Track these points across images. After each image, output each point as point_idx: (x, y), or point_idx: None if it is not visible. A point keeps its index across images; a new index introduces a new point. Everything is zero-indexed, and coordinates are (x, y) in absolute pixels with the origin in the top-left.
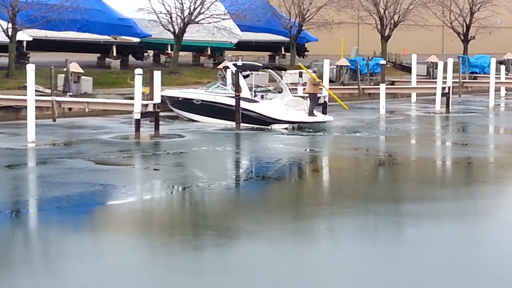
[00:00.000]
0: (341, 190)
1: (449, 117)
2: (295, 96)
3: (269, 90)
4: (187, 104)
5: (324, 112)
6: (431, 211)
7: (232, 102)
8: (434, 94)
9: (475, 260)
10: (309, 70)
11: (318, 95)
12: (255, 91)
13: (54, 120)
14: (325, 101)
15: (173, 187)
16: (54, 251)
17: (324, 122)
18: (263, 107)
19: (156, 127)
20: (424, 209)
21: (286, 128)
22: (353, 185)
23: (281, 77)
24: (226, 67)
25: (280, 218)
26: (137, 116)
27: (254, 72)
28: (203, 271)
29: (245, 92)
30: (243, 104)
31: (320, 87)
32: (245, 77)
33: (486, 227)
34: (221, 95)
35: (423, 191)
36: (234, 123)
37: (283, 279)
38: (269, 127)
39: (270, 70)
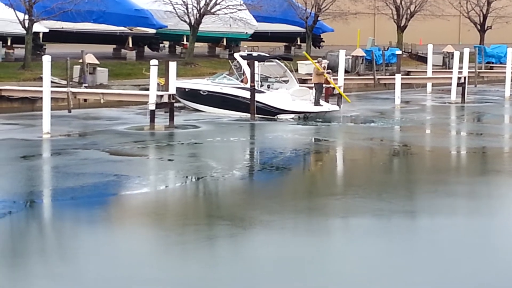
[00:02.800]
0: (355, 180)
1: (465, 107)
2: (302, 86)
3: (276, 81)
4: (194, 95)
5: (338, 103)
6: (445, 201)
7: (238, 92)
8: (450, 84)
9: (490, 249)
10: (315, 61)
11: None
12: (261, 82)
13: (70, 111)
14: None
15: (187, 177)
16: (68, 241)
17: (330, 111)
18: (269, 98)
19: (171, 118)
20: (439, 199)
21: (292, 118)
22: (368, 175)
23: (288, 67)
24: (233, 58)
25: (294, 208)
26: (152, 107)
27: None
28: (217, 261)
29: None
30: (249, 95)
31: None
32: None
33: (501, 216)
34: (228, 85)
35: (437, 181)
36: (240, 113)
37: (297, 269)
38: (275, 117)
39: (276, 60)
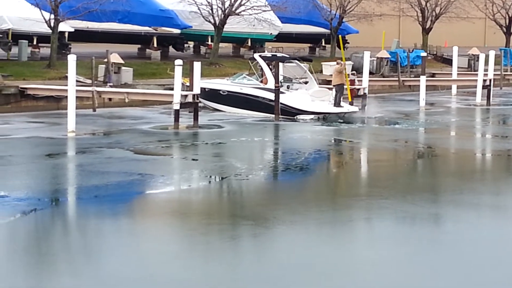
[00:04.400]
0: (379, 181)
1: (490, 110)
2: (321, 87)
3: (296, 81)
4: (214, 95)
5: (363, 104)
6: (470, 203)
7: (258, 93)
8: (475, 87)
9: None
10: (334, 63)
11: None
12: (281, 82)
13: (94, 110)
14: (364, 93)
15: (211, 177)
16: (92, 239)
17: (349, 112)
18: (289, 98)
19: (195, 118)
20: (463, 201)
21: (311, 119)
22: (392, 177)
23: (308, 68)
24: (253, 59)
25: (318, 208)
26: (177, 106)
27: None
28: (240, 261)
29: (271, 83)
30: (269, 95)
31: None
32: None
33: None
34: (248, 86)
35: (462, 183)
36: (260, 113)
37: (320, 269)
38: (295, 117)
39: (296, 61)
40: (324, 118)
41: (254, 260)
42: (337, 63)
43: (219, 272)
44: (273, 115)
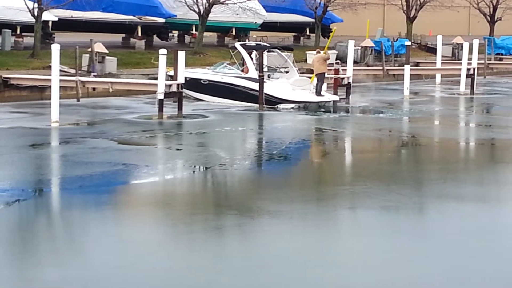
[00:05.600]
0: (363, 170)
1: (474, 99)
2: (302, 76)
3: (276, 70)
4: (195, 84)
5: (348, 93)
6: (454, 191)
7: (239, 82)
8: (459, 76)
9: (499, 241)
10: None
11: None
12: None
13: (78, 100)
14: (349, 82)
15: (195, 167)
16: (77, 230)
17: (330, 101)
18: (269, 87)
19: (179, 107)
20: (447, 190)
21: (292, 108)
22: (376, 166)
23: (289, 57)
24: (234, 48)
25: (302, 198)
26: (161, 96)
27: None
28: (225, 251)
29: (252, 72)
30: (250, 84)
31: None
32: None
33: (509, 207)
34: (228, 75)
35: (446, 172)
36: (241, 103)
37: (305, 259)
38: (276, 106)
39: (277, 50)
40: (305, 107)
41: (238, 250)
42: (317, 52)
43: (203, 261)
44: (256, 105)
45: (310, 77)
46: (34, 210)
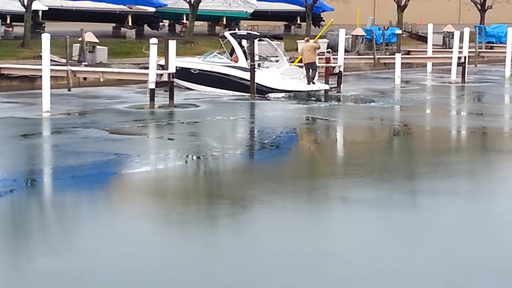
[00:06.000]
0: (355, 159)
1: (465, 87)
2: (292, 65)
3: (266, 59)
4: (185, 74)
5: (339, 82)
6: (446, 180)
7: (229, 71)
8: (450, 64)
9: (490, 229)
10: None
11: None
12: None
13: (69, 90)
14: (340, 71)
15: (187, 156)
16: (69, 220)
17: (320, 90)
18: (259, 77)
19: (171, 97)
20: (439, 179)
21: (282, 97)
22: (368, 155)
23: (279, 46)
24: (224, 37)
25: (294, 187)
26: (152, 85)
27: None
28: (217, 240)
29: (241, 62)
30: (239, 73)
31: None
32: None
33: (501, 196)
34: (218, 64)
35: (438, 160)
36: (231, 92)
37: (297, 248)
38: (266, 96)
39: (267, 39)
40: (295, 96)
41: (231, 239)
42: (306, 41)
43: (196, 251)
44: (247, 94)
45: (298, 66)
46: (26, 201)
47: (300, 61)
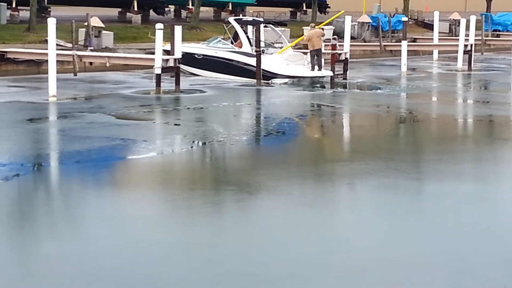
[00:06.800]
0: (361, 147)
1: (471, 75)
2: (296, 51)
3: (270, 46)
4: (189, 59)
5: (345, 69)
6: (452, 168)
7: (233, 56)
8: (456, 52)
9: (498, 216)
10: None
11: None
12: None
13: (75, 75)
14: (346, 58)
15: (193, 142)
16: (74, 205)
17: (323, 77)
18: (263, 62)
19: (177, 82)
20: (445, 166)
21: (285, 83)
22: (374, 142)
23: (282, 32)
24: (228, 22)
25: (301, 174)
26: (158, 71)
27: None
28: (223, 226)
29: (246, 47)
30: (244, 59)
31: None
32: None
33: (507, 184)
34: (222, 49)
35: (444, 148)
36: (234, 77)
37: (303, 235)
38: (269, 81)
39: (271, 25)
40: (298, 82)
41: (237, 226)
42: (312, 27)
43: (202, 237)
44: (251, 79)
45: (303, 52)
46: (32, 185)
47: (306, 47)
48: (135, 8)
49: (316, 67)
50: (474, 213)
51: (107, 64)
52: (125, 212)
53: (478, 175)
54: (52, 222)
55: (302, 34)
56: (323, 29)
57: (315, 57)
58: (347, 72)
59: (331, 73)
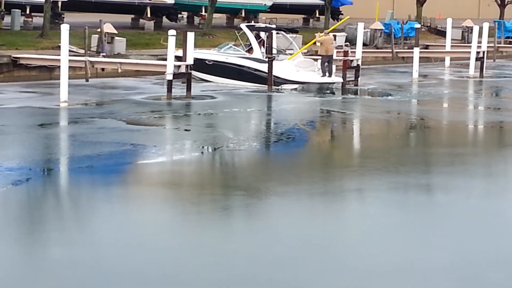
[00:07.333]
0: (372, 152)
1: (483, 82)
2: (306, 57)
3: (281, 52)
4: (199, 64)
5: (356, 75)
6: (462, 175)
7: (244, 62)
8: (468, 59)
9: (506, 223)
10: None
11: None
12: (263, 53)
13: (87, 80)
14: (358, 64)
15: (203, 147)
16: (85, 209)
17: (334, 83)
18: (274, 68)
19: (188, 88)
20: (455, 173)
21: (295, 89)
22: (384, 148)
23: (294, 38)
24: (240, 29)
25: (310, 179)
26: (169, 77)
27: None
28: (232, 231)
29: (256, 53)
30: (254, 65)
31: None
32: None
33: None
34: (233, 55)
35: (454, 155)
36: (245, 83)
37: (312, 239)
38: (279, 87)
39: (282, 32)
40: (308, 88)
41: (246, 231)
42: (326, 34)
43: (211, 241)
44: (261, 85)
45: (314, 59)
46: (42, 190)
47: (317, 53)
48: (148, 15)
49: (327, 73)
50: (484, 220)
51: (119, 70)
52: (135, 217)
53: (487, 182)
54: (62, 226)
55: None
56: (335, 35)
57: (326, 64)
58: (359, 79)
59: (341, 80)
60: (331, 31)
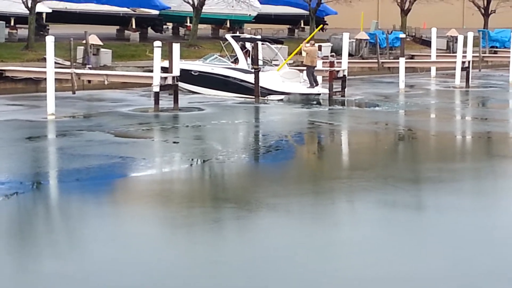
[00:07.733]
0: (360, 163)
1: (469, 92)
2: (292, 68)
3: (267, 63)
4: (185, 76)
5: (343, 86)
6: (450, 185)
7: (229, 73)
8: (454, 69)
9: (496, 232)
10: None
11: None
12: (249, 65)
13: (74, 93)
14: (344, 75)
15: (192, 160)
16: (75, 223)
17: (319, 94)
18: (259, 79)
19: (175, 100)
20: (443, 183)
21: (281, 100)
22: (373, 159)
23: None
24: (225, 39)
25: (299, 191)
26: (156, 89)
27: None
28: (222, 243)
29: (242, 64)
30: (240, 75)
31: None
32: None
33: (506, 201)
34: (219, 66)
35: (442, 165)
36: (230, 94)
37: (303, 251)
38: (265, 98)
39: (267, 43)
40: (294, 99)
41: (237, 243)
42: (312, 45)
43: (202, 254)
44: (247, 96)
45: (299, 69)
46: (32, 203)
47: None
48: (133, 26)
49: (314, 84)
50: (474, 229)
51: (106, 82)
52: (125, 230)
53: (477, 192)
54: (52, 240)
55: (301, 52)
56: (320, 46)
57: (312, 74)
58: (345, 89)
59: (326, 91)
60: (308, 41)
